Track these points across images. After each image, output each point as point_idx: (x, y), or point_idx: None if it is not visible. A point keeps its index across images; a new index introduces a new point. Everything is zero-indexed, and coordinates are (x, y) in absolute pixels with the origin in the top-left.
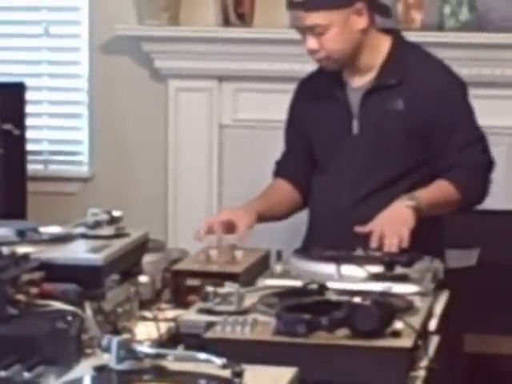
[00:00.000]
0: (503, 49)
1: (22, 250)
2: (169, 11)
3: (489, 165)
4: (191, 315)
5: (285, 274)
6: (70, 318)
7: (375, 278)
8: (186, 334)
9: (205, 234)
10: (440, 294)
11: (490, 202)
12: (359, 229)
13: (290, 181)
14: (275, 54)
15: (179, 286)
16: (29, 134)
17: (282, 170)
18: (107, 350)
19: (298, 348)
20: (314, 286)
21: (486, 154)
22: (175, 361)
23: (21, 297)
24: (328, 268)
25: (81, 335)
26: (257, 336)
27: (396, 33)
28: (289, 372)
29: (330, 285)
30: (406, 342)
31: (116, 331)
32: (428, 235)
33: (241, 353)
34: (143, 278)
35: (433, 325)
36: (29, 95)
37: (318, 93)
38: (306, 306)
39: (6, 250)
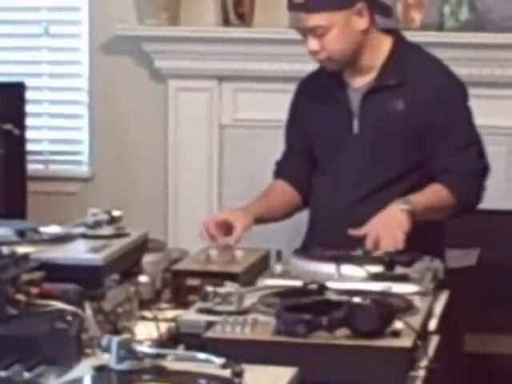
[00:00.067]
0: (503, 49)
1: (21, 249)
2: (169, 11)
3: (483, 170)
4: (191, 315)
5: (285, 274)
6: (69, 317)
7: (375, 277)
8: (186, 334)
9: (205, 233)
10: (440, 294)
11: (490, 202)
12: (354, 232)
13: (290, 181)
14: (275, 53)
15: (179, 286)
16: (29, 134)
17: (282, 170)
18: (107, 349)
19: (297, 348)
20: (314, 286)
21: (482, 160)
22: (175, 361)
23: (21, 297)
24: (328, 268)
25: (81, 335)
26: (257, 336)
27: (397, 33)
28: (289, 372)
29: (330, 285)
30: (406, 341)
31: (116, 331)
32: (428, 235)
33: (241, 353)
34: (143, 278)
35: (433, 325)
36: (29, 95)
37: (318, 93)
38: (306, 306)
39: (5, 249)
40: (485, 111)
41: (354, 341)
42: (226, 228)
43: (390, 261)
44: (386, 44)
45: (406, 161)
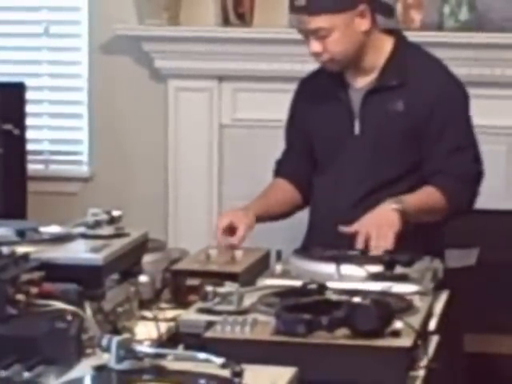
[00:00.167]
0: (503, 49)
1: (21, 249)
2: (169, 11)
3: (478, 175)
4: (191, 315)
5: (285, 274)
6: (69, 317)
7: (375, 277)
8: (185, 334)
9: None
10: (440, 294)
11: (490, 202)
12: (344, 229)
13: (290, 180)
14: (275, 53)
15: (179, 286)
16: (29, 134)
17: (282, 169)
18: (107, 349)
19: (297, 348)
20: (314, 286)
21: (477, 164)
22: (175, 360)
23: (21, 297)
24: (328, 268)
25: (81, 335)
26: (256, 336)
27: (398, 33)
28: (288, 372)
29: (330, 284)
30: (406, 341)
31: (116, 331)
32: (428, 235)
33: (240, 352)
34: (143, 278)
35: (432, 324)
36: (29, 95)
37: (319, 93)
38: (306, 306)
39: (5, 249)
40: (485, 111)
41: (354, 341)
42: (230, 229)
43: (389, 261)
44: (387, 44)
45: (406, 161)
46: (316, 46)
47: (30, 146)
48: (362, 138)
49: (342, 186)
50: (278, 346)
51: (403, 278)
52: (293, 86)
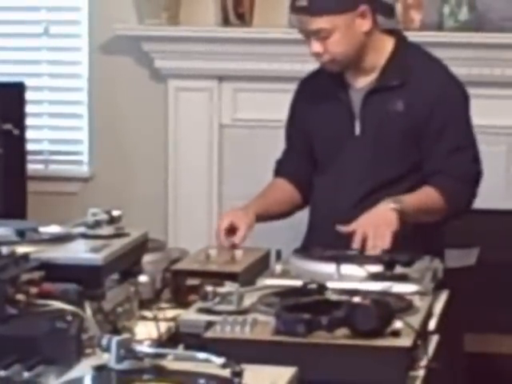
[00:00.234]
0: (503, 49)
1: (21, 249)
2: (169, 11)
3: (477, 175)
4: (191, 315)
5: (284, 274)
6: (69, 317)
7: (375, 277)
8: (185, 334)
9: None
10: (440, 294)
11: (490, 202)
12: (342, 228)
13: (290, 180)
14: (275, 53)
15: (179, 286)
16: (29, 134)
17: (282, 168)
18: (107, 349)
19: (297, 348)
20: (314, 286)
21: (476, 164)
22: (175, 360)
23: (20, 296)
24: (328, 267)
25: (81, 335)
26: (256, 336)
27: (398, 33)
28: (288, 372)
29: (330, 284)
30: (406, 341)
31: (116, 331)
32: (428, 235)
33: (240, 352)
34: (143, 278)
35: (432, 324)
36: (29, 95)
37: (319, 93)
38: (306, 306)
39: (5, 249)
40: (484, 111)
41: (354, 341)
42: (230, 229)
43: (389, 260)
44: (388, 45)
45: (406, 161)
46: (317, 46)
47: (29, 146)
48: (363, 138)
49: (342, 186)
50: (278, 345)
51: (403, 278)
52: (293, 86)
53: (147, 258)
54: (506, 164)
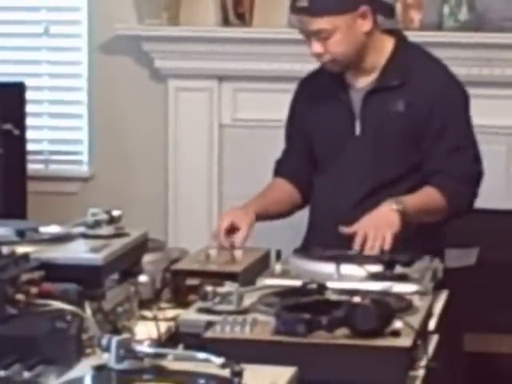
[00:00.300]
0: (502, 49)
1: (21, 249)
2: (169, 11)
3: (478, 175)
4: (191, 315)
5: (284, 274)
6: (69, 317)
7: (375, 277)
8: (185, 334)
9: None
10: (439, 294)
11: (490, 202)
12: (344, 229)
13: (290, 179)
14: (275, 53)
15: (179, 286)
16: (29, 134)
17: (282, 168)
18: (107, 349)
19: (297, 348)
20: (314, 286)
21: (477, 164)
22: (175, 360)
23: (20, 296)
24: (328, 267)
25: (81, 335)
26: (256, 336)
27: (398, 33)
28: (288, 371)
29: (330, 284)
30: (406, 341)
31: (116, 331)
32: (428, 235)
33: (240, 352)
34: (143, 278)
35: (432, 324)
36: (29, 95)
37: (319, 93)
38: (306, 306)
39: (5, 249)
40: (484, 111)
41: (354, 340)
42: (231, 229)
43: (389, 260)
44: (388, 45)
45: (407, 162)
46: (317, 46)
47: (29, 146)
48: (363, 138)
49: (342, 187)
50: (278, 345)
51: (403, 278)
52: (293, 86)
53: (147, 258)
54: (506, 164)
